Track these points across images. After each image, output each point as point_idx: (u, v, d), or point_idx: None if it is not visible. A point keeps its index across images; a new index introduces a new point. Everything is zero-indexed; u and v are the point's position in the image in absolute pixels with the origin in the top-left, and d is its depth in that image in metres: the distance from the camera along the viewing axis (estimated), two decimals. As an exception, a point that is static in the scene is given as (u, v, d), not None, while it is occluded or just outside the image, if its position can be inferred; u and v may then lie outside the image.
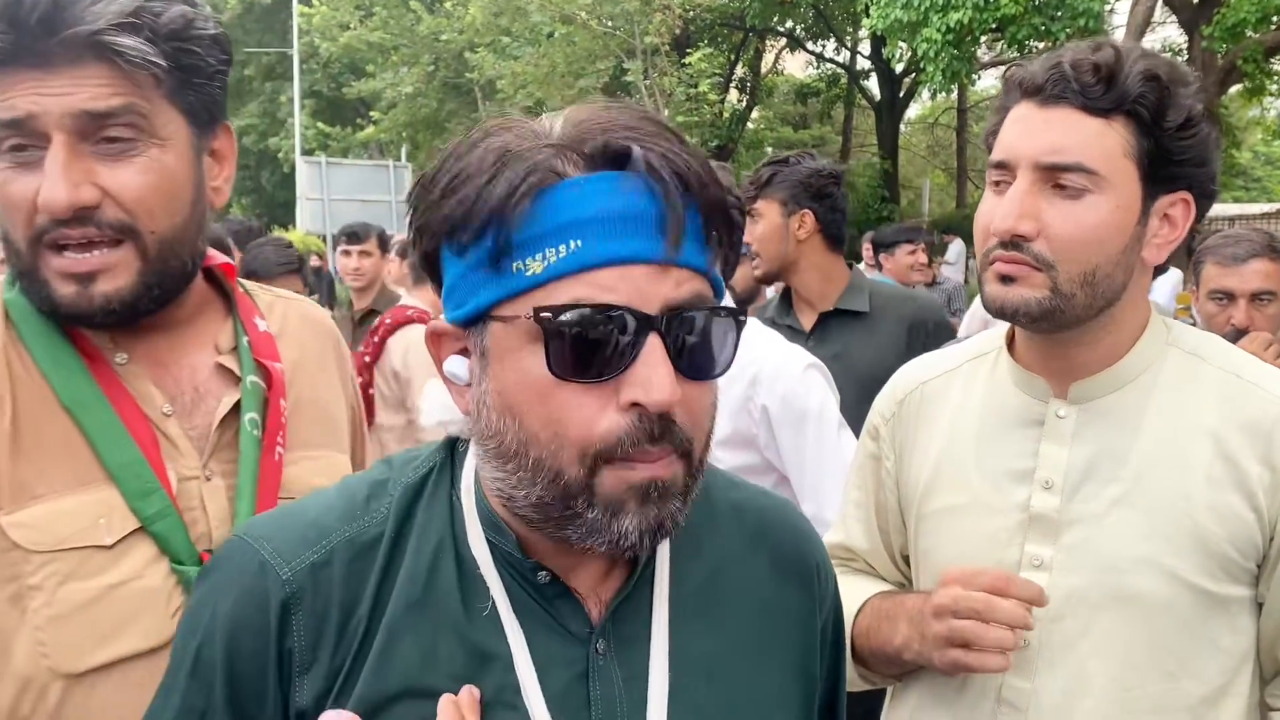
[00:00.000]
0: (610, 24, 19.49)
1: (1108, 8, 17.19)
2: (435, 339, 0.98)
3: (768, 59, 30.17)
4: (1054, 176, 1.32)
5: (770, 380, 2.31)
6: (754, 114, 29.73)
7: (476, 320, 0.91)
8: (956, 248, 14.84)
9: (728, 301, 1.00)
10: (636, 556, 0.99)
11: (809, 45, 28.87)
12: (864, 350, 2.57)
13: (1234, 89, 17.28)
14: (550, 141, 0.88)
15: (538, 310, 0.86)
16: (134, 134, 1.22)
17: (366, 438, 1.68)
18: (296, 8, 25.94)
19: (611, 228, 0.85)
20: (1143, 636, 1.35)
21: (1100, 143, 1.31)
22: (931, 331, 3.03)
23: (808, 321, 3.04)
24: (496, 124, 0.92)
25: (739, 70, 27.83)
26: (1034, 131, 1.33)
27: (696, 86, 19.26)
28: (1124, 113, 1.31)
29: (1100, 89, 1.30)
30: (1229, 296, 2.97)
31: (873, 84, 28.74)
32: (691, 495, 0.93)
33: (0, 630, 1.21)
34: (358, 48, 24.54)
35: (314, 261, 9.21)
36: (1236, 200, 25.90)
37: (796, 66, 34.76)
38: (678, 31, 20.09)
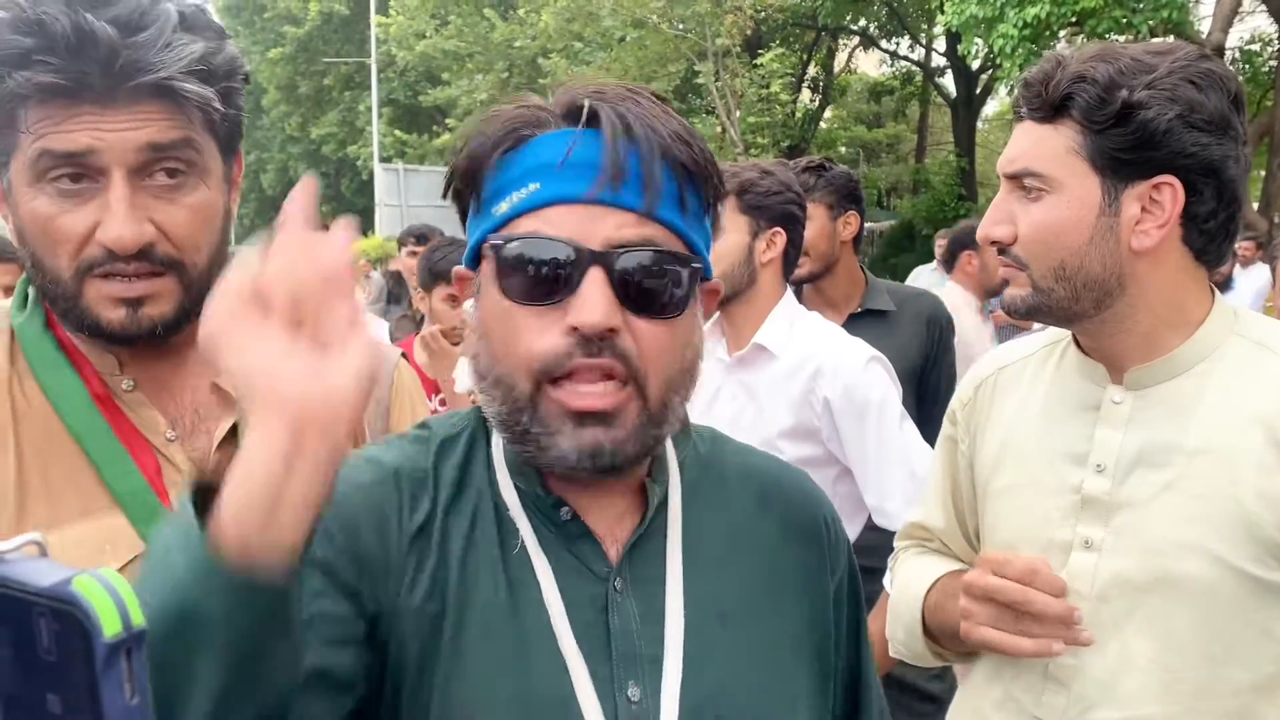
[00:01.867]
0: (681, 26, 19.55)
1: (1193, -2, 16.74)
2: (460, 283, 1.09)
3: (841, 58, 29.95)
4: (1018, 184, 1.45)
5: (832, 373, 2.34)
6: (827, 113, 29.55)
7: (475, 261, 1.05)
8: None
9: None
10: (648, 499, 1.07)
11: (883, 43, 28.58)
12: (891, 348, 2.66)
13: (1327, 79, 16.65)
14: (534, 104, 1.02)
15: (491, 241, 0.99)
16: (186, 167, 1.24)
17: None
18: (374, 18, 26.49)
19: (565, 173, 0.97)
20: (1188, 620, 1.36)
21: (1046, 146, 1.42)
22: (945, 326, 3.23)
23: (834, 323, 3.08)
24: (510, 98, 1.05)
25: (811, 70, 27.69)
26: (1008, 147, 1.49)
27: (768, 87, 19.23)
28: (1065, 115, 1.40)
29: (1037, 99, 1.43)
30: None
31: (948, 81, 28.33)
32: (650, 430, 1.00)
33: None
34: (433, 56, 24.97)
35: (392, 265, 9.45)
36: (1331, 194, 24.96)
37: (870, 65, 34.45)
38: (749, 32, 20.07)
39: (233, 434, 1.36)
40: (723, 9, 18.72)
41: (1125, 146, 1.37)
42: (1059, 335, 1.60)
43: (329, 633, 0.93)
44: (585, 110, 0.98)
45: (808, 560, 1.16)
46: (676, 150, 0.98)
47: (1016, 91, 1.49)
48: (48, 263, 1.23)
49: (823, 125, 28.40)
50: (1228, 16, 15.54)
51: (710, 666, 1.03)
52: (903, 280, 7.49)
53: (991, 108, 32.13)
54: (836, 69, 29.50)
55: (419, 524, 1.02)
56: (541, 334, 0.97)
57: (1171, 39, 12.24)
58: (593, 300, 0.94)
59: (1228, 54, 17.93)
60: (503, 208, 1.00)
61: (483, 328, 1.02)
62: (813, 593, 1.15)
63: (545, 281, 0.96)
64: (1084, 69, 1.39)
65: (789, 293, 2.53)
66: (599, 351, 0.96)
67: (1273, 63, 18.26)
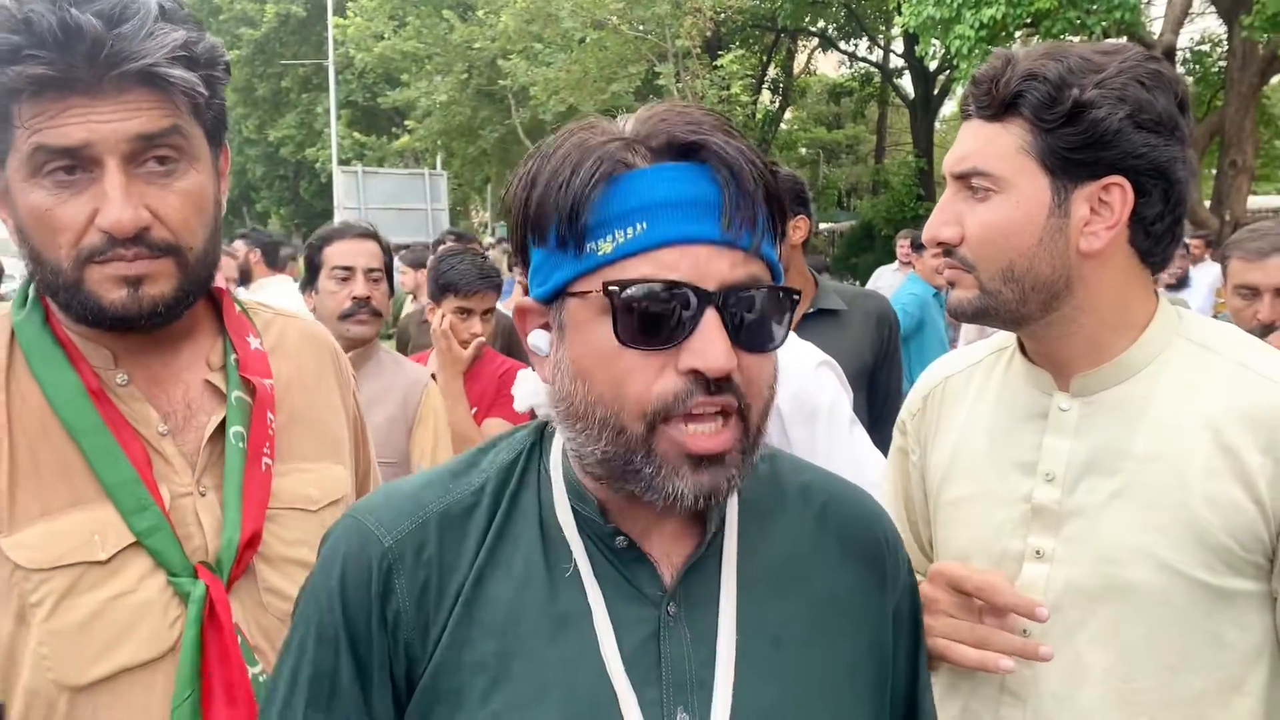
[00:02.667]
0: (641, 28, 19.54)
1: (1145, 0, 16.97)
2: (521, 315, 1.07)
3: (800, 59, 30.09)
4: (966, 183, 1.41)
5: (782, 378, 2.31)
6: (787, 115, 29.67)
7: (556, 297, 1.02)
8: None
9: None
10: (706, 522, 1.08)
11: (841, 45, 28.76)
12: (843, 347, 2.69)
13: (1276, 79, 16.97)
14: (621, 136, 0.99)
15: (606, 284, 0.95)
16: (177, 154, 1.30)
17: (370, 448, 1.72)
18: (331, 19, 26.26)
19: (674, 212, 0.95)
20: (1140, 628, 1.35)
21: (995, 145, 1.38)
22: (893, 324, 3.31)
23: None
24: (577, 126, 1.03)
25: (771, 71, 27.80)
26: (954, 146, 1.45)
27: (729, 88, 19.26)
28: (1015, 114, 1.37)
29: (987, 96, 1.39)
30: (1254, 291, 2.95)
31: (906, 82, 28.55)
32: (750, 459, 1.00)
33: (9, 647, 1.26)
34: (392, 58, 24.77)
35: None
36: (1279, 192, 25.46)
37: (829, 66, 34.64)
38: (709, 34, 20.10)
39: (222, 428, 1.40)
40: (682, 10, 18.73)
41: (1075, 146, 1.35)
42: (1005, 341, 1.58)
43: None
44: (692, 147, 0.97)
45: (868, 580, 1.16)
46: (769, 183, 0.99)
47: (964, 90, 1.46)
48: (47, 255, 1.28)
49: (783, 126, 28.52)
50: (1178, 18, 15.77)
51: (762, 691, 1.03)
52: (865, 280, 7.54)
53: (949, 109, 32.39)
54: (796, 70, 29.64)
55: (461, 570, 1.04)
56: (658, 376, 0.96)
57: (1124, 40, 12.40)
58: (715, 344, 0.94)
59: (1178, 54, 18.20)
60: (605, 248, 0.96)
61: (578, 367, 1.00)
62: (872, 614, 1.15)
63: (663, 324, 0.95)
64: (1034, 67, 1.36)
65: None
66: (718, 391, 0.95)
67: (1222, 63, 18.56)
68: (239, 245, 7.21)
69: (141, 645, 1.29)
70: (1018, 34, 15.68)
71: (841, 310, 3.20)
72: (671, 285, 0.94)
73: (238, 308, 1.55)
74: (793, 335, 2.54)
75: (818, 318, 3.17)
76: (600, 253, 0.97)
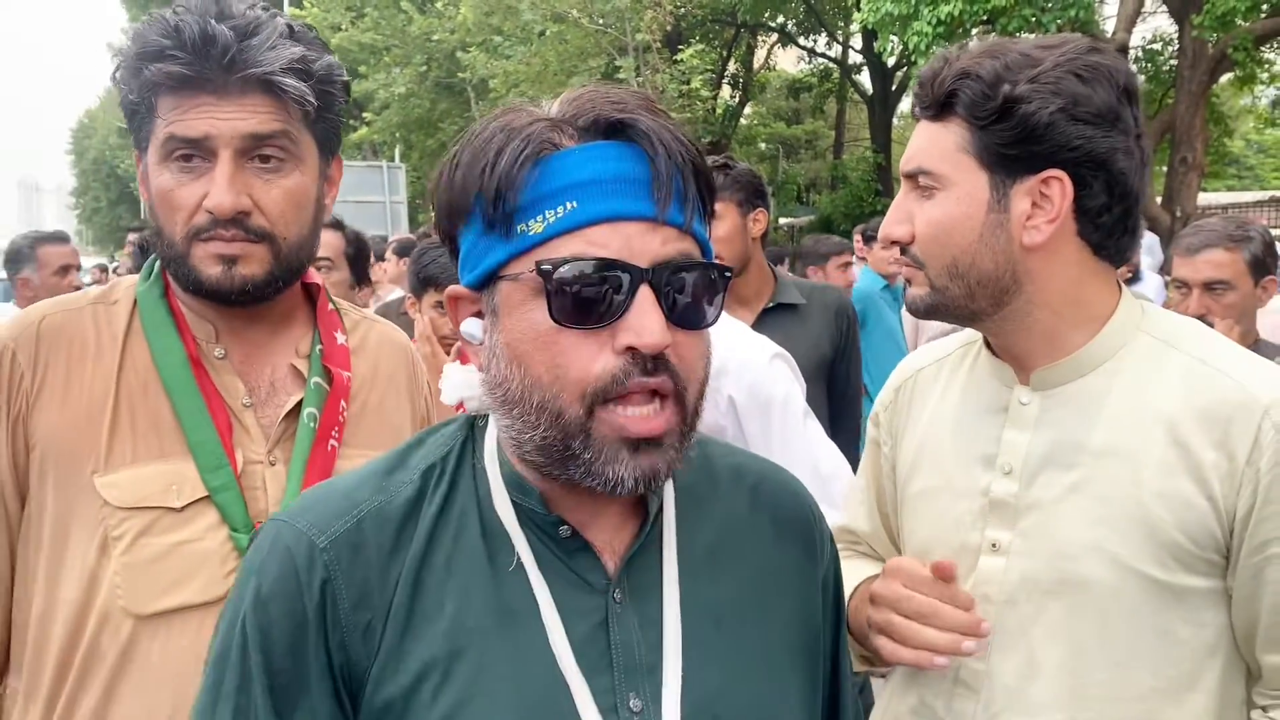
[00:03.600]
0: (602, 21, 19.48)
1: (1098, -2, 17.20)
2: (453, 303, 1.06)
3: (760, 54, 30.14)
4: (915, 182, 1.44)
5: (737, 371, 2.31)
6: (747, 110, 29.72)
7: (488, 282, 1.01)
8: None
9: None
10: (647, 510, 1.08)
11: (800, 40, 28.86)
12: (802, 340, 2.71)
13: (1225, 78, 17.27)
14: (547, 118, 0.99)
15: (539, 264, 0.95)
16: (284, 155, 1.48)
17: None
18: (288, 10, 25.94)
19: (603, 189, 0.95)
20: (1092, 623, 1.35)
21: (937, 145, 1.41)
22: (851, 317, 3.33)
23: (746, 318, 3.12)
24: (502, 110, 1.02)
25: (731, 66, 27.82)
26: (908, 146, 1.47)
27: (689, 83, 19.25)
28: (952, 112, 1.39)
29: (928, 96, 1.43)
30: (1186, 285, 3.03)
31: (865, 78, 28.71)
32: (687, 442, 1.01)
33: (90, 571, 1.44)
34: (349, 49, 24.52)
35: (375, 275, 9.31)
36: (1230, 188, 25.91)
37: (788, 62, 34.75)
38: (669, 28, 20.09)
39: (297, 409, 1.57)
40: (642, 4, 18.71)
41: (1008, 141, 1.36)
42: (972, 336, 1.59)
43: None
44: (619, 125, 0.97)
45: (800, 555, 1.18)
46: (697, 161, 0.99)
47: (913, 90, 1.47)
48: (166, 230, 1.49)
49: (743, 121, 28.56)
50: (1131, 16, 15.99)
51: (708, 671, 1.05)
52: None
53: (907, 104, 32.60)
54: (756, 65, 29.69)
55: (399, 569, 1.01)
56: (594, 357, 0.95)
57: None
58: (649, 320, 0.94)
59: (1131, 53, 18.46)
60: (536, 228, 0.96)
61: (514, 352, 0.98)
62: (804, 587, 1.17)
63: (596, 303, 0.94)
64: (969, 65, 1.38)
65: None
66: (655, 370, 0.95)
67: (1173, 61, 18.85)
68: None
69: (199, 588, 1.45)
70: (974, 31, 15.83)
71: (800, 304, 3.22)
72: (604, 263, 0.94)
73: (331, 306, 1.73)
74: (745, 328, 2.55)
75: (777, 312, 3.18)
76: (531, 233, 0.96)
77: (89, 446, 1.46)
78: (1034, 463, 1.41)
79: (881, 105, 27.02)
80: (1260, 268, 3.01)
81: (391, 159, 25.01)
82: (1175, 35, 18.41)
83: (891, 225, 1.46)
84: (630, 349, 0.94)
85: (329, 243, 3.12)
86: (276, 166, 1.48)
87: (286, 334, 1.64)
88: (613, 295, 0.94)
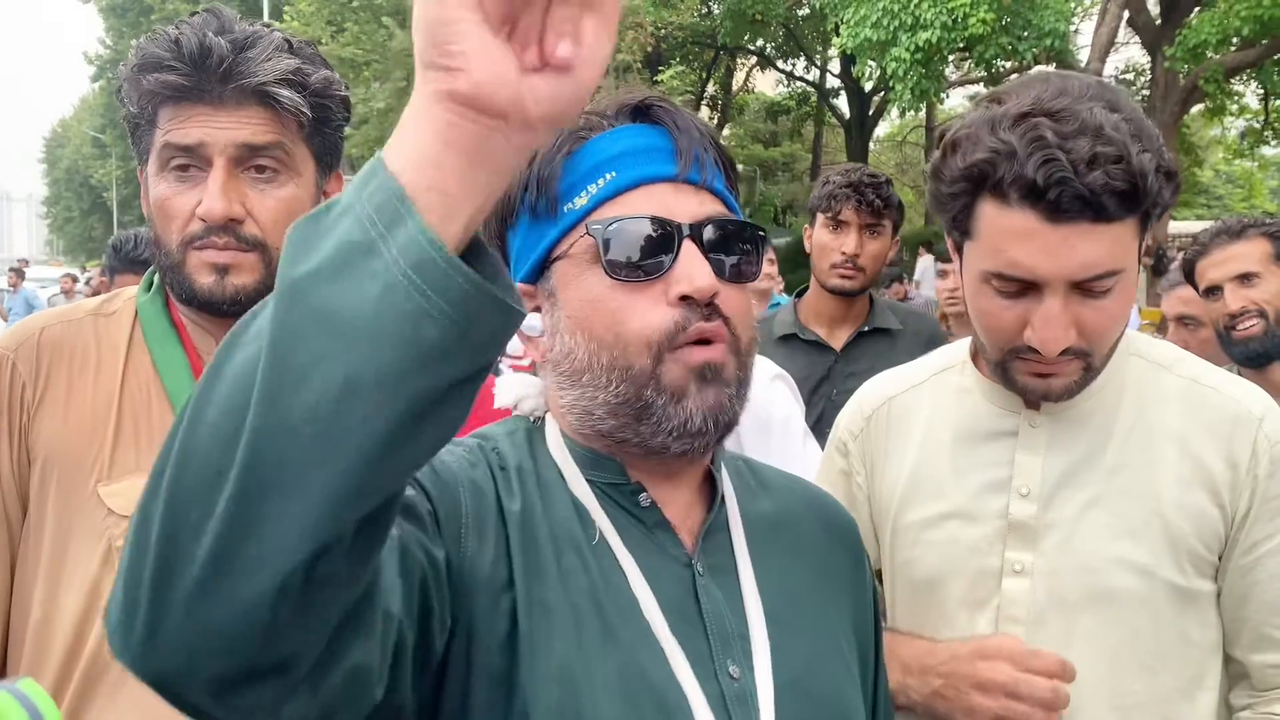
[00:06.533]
0: (582, 41, 19.56)
1: (1073, 29, 17.46)
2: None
3: (739, 77, 30.40)
4: (1085, 288, 1.31)
5: (739, 391, 2.33)
6: (725, 131, 29.94)
7: (542, 270, 1.07)
8: (924, 263, 14.84)
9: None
10: (713, 491, 1.11)
11: (779, 64, 29.12)
12: (890, 367, 2.61)
13: (1195, 109, 17.59)
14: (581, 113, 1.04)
15: (589, 225, 1.01)
16: (278, 166, 1.49)
17: None
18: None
19: (638, 158, 1.04)
20: (1123, 633, 1.39)
21: (1119, 243, 1.29)
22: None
23: (839, 340, 3.05)
24: None
25: (710, 88, 28.06)
26: (1051, 249, 1.27)
27: (668, 104, 19.37)
28: (1130, 212, 1.27)
29: (1084, 203, 1.24)
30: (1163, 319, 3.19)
31: (842, 102, 29.00)
32: (744, 390, 1.05)
33: (94, 580, 1.43)
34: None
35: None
36: (1199, 218, 26.32)
37: (767, 85, 35.06)
38: (650, 49, 20.24)
39: None
40: (624, 25, 18.80)
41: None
42: (948, 361, 1.60)
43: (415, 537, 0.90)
44: (644, 109, 1.06)
45: (850, 563, 1.21)
46: (714, 137, 1.09)
47: (1047, 183, 1.24)
48: (163, 238, 1.49)
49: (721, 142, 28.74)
50: (1105, 46, 16.28)
51: (794, 647, 1.07)
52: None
53: (883, 129, 32.98)
54: (734, 88, 29.93)
55: (516, 507, 1.02)
56: (652, 309, 1.00)
57: (1053, 67, 12.72)
58: (697, 267, 0.99)
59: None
60: (580, 202, 1.03)
61: (575, 322, 1.03)
62: (857, 592, 1.20)
63: (647, 256, 1.00)
64: (1129, 156, 1.24)
65: None
66: (711, 315, 1.00)
67: (1145, 92, 19.16)
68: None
69: None
70: (951, 58, 16.05)
71: (895, 330, 3.07)
72: (650, 220, 1.00)
73: None
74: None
75: (871, 336, 3.06)
76: (577, 208, 1.03)
77: (93, 456, 1.47)
78: (1051, 483, 1.44)
79: (858, 129, 27.28)
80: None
81: (369, 174, 24.91)
82: (1148, 66, 18.72)
83: (1063, 339, 1.32)
84: (683, 297, 0.99)
85: None
86: (271, 177, 1.49)
87: None
88: (661, 250, 1.00)
